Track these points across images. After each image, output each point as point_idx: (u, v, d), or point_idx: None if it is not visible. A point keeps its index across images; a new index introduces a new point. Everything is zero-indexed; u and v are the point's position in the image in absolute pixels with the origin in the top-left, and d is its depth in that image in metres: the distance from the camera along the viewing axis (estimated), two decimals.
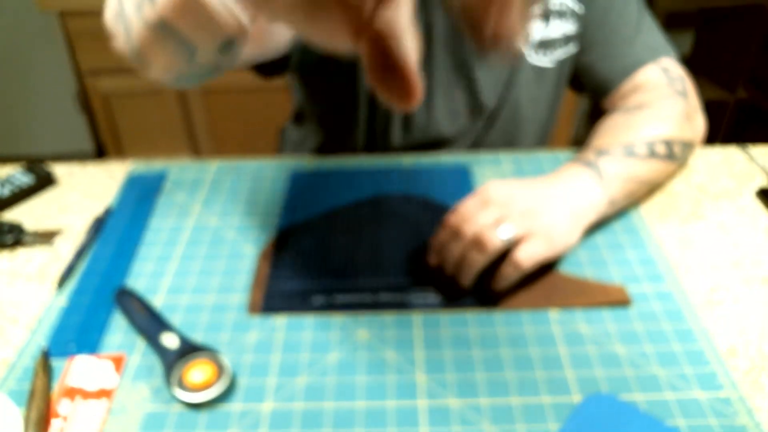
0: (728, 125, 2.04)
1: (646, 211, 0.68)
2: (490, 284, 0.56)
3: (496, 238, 0.54)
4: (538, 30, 0.75)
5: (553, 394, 0.48)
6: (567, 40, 0.77)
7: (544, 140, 0.89)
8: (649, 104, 0.70)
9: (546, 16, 0.75)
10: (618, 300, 0.56)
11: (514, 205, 0.56)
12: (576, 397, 0.48)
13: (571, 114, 1.80)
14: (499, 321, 0.55)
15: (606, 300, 0.56)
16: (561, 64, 0.79)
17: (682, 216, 0.67)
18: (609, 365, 0.51)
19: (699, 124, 0.73)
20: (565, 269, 0.60)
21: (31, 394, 0.49)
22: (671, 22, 1.98)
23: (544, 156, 0.77)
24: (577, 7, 0.75)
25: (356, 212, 0.68)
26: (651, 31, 0.76)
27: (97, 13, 1.57)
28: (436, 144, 0.81)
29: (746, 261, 0.61)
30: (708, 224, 0.66)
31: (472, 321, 0.55)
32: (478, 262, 0.55)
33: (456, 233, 0.56)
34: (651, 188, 0.68)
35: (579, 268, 0.60)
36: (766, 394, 0.48)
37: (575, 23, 0.76)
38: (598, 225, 0.64)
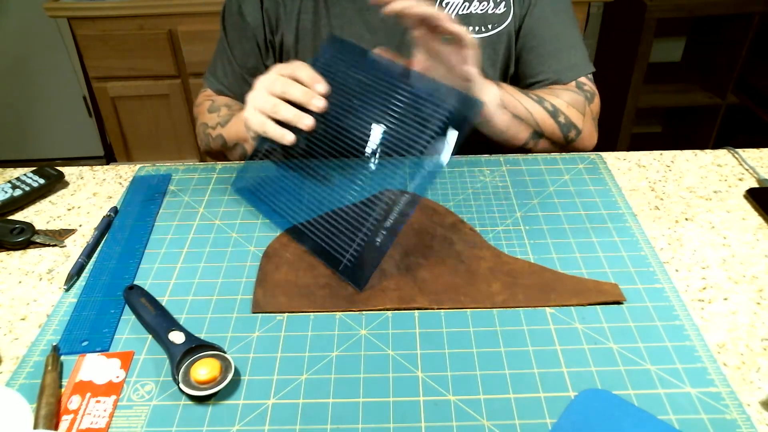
0: (718, 130, 2.06)
1: (639, 212, 0.69)
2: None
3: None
4: (458, 7, 0.84)
5: (549, 389, 0.50)
6: (491, 18, 0.84)
7: None
8: (552, 90, 0.83)
9: None
10: (612, 298, 0.58)
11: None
12: (571, 393, 0.49)
13: None
14: (497, 319, 0.56)
15: (601, 298, 0.58)
16: (491, 40, 0.85)
17: (673, 216, 0.69)
18: (603, 361, 0.52)
19: (588, 126, 0.84)
20: (562, 268, 0.61)
21: (42, 389, 0.50)
22: (663, 30, 2.00)
23: (542, 158, 0.79)
24: None
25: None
26: (576, 48, 0.85)
27: (105, 18, 1.60)
28: None
29: (735, 260, 0.63)
30: (698, 224, 0.68)
31: (471, 319, 0.56)
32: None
33: None
34: (535, 130, 0.79)
35: (575, 266, 0.62)
36: (755, 389, 0.50)
37: (505, 7, 0.84)
38: (594, 226, 0.66)
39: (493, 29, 0.84)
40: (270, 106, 0.66)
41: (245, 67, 0.89)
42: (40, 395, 0.49)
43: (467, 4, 0.83)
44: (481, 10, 0.83)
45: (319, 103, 0.65)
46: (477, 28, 0.84)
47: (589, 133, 0.85)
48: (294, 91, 0.65)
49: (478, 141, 0.91)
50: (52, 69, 2.13)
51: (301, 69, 0.66)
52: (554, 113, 0.80)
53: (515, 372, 0.51)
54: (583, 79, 0.85)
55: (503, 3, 0.83)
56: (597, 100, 0.86)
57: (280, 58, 0.88)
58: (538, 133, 0.79)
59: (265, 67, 0.87)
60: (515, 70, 0.88)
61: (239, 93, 0.88)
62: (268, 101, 0.66)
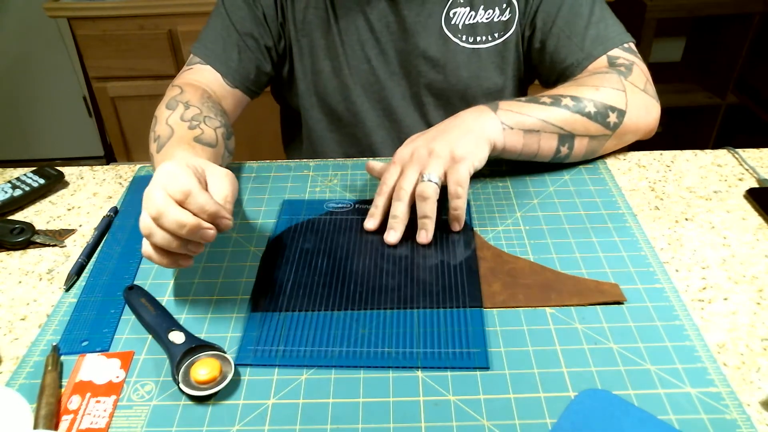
0: (718, 130, 2.06)
1: (639, 212, 0.69)
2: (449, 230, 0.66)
3: (430, 184, 0.63)
4: (465, 17, 0.83)
5: (549, 389, 0.50)
6: (497, 26, 0.83)
7: None
8: (577, 79, 0.76)
9: (471, 3, 0.82)
10: (612, 298, 0.58)
11: (421, 156, 0.65)
12: (571, 393, 0.49)
13: None
14: (497, 319, 0.56)
15: (601, 298, 0.58)
16: (497, 48, 0.84)
17: (673, 216, 0.69)
18: (603, 361, 0.52)
19: (637, 99, 0.75)
20: (562, 268, 0.62)
21: (42, 389, 0.50)
22: (663, 30, 2.00)
23: None
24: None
25: (356, 213, 0.70)
26: (602, 22, 0.80)
27: (105, 18, 1.60)
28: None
29: (735, 260, 0.63)
30: (698, 224, 0.68)
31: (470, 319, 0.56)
32: (429, 207, 0.63)
33: (394, 198, 0.65)
34: (561, 135, 0.72)
35: (575, 266, 0.62)
36: (755, 389, 0.50)
37: (510, 13, 0.82)
38: (594, 226, 0.66)
39: (499, 37, 0.84)
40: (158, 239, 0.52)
41: (242, 33, 0.83)
42: (40, 395, 0.49)
43: (473, 13, 0.82)
44: (487, 18, 0.83)
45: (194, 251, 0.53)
46: (483, 38, 0.83)
47: (639, 108, 0.75)
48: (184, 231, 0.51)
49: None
50: (52, 69, 2.14)
51: (197, 198, 0.51)
52: (578, 107, 0.71)
53: (515, 372, 0.51)
54: (615, 52, 0.79)
55: (508, 9, 0.82)
56: (637, 69, 0.77)
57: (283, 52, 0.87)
58: (569, 136, 0.72)
59: (267, 49, 0.85)
60: (544, 64, 0.84)
61: (224, 63, 0.82)
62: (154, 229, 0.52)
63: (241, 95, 0.85)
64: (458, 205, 0.64)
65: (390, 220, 0.65)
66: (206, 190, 0.54)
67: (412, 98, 0.88)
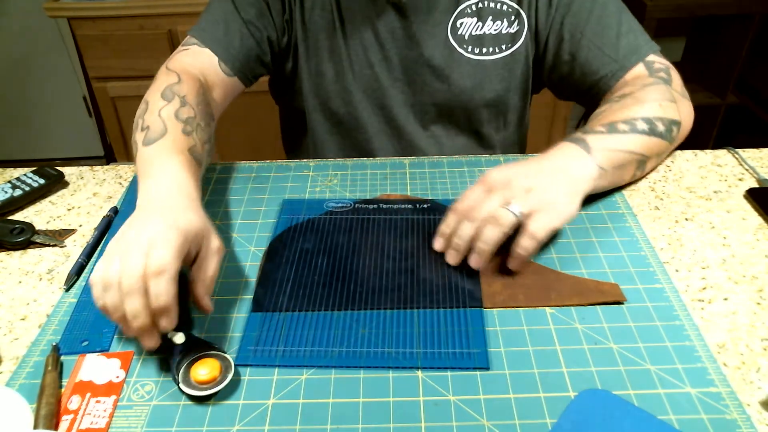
0: (718, 129, 2.06)
1: (639, 212, 0.69)
2: (505, 264, 0.61)
3: (509, 213, 0.58)
4: (472, 28, 0.81)
5: (549, 389, 0.50)
6: (505, 38, 0.82)
7: (519, 128, 0.94)
8: (630, 93, 0.74)
9: (479, 14, 0.81)
10: (613, 298, 0.58)
11: (516, 187, 0.60)
12: (571, 393, 0.49)
13: (566, 119, 1.82)
14: (497, 319, 0.56)
15: (601, 298, 0.58)
16: (504, 61, 0.84)
17: (673, 216, 0.69)
18: (603, 361, 0.52)
19: (685, 107, 0.76)
20: (562, 268, 0.62)
21: (42, 389, 0.50)
22: (663, 30, 2.00)
23: None
24: (523, 10, 0.81)
25: (356, 213, 0.70)
26: (632, 32, 0.79)
27: (105, 18, 1.59)
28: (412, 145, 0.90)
29: (735, 260, 0.63)
30: (698, 224, 0.68)
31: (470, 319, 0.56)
32: (495, 235, 0.58)
33: (466, 217, 0.61)
34: (640, 160, 0.71)
35: (575, 266, 0.62)
36: (755, 389, 0.50)
37: (518, 25, 0.81)
38: (594, 226, 0.66)
39: (506, 49, 0.83)
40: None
41: (246, 20, 0.80)
42: (40, 395, 0.49)
43: (480, 24, 0.81)
44: (495, 30, 0.81)
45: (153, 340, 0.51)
46: (490, 49, 0.82)
47: (687, 115, 0.76)
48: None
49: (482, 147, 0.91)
50: (52, 69, 2.14)
51: (157, 283, 0.48)
52: (652, 129, 0.70)
53: (515, 372, 0.51)
54: (650, 58, 0.78)
55: (516, 21, 0.81)
56: (674, 74, 0.78)
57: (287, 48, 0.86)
58: (645, 160, 0.72)
59: (268, 40, 0.83)
60: (574, 75, 0.82)
61: (224, 48, 0.80)
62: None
63: (237, 82, 0.83)
64: (527, 247, 0.58)
65: (454, 239, 0.61)
66: (193, 262, 0.54)
67: (413, 106, 0.88)
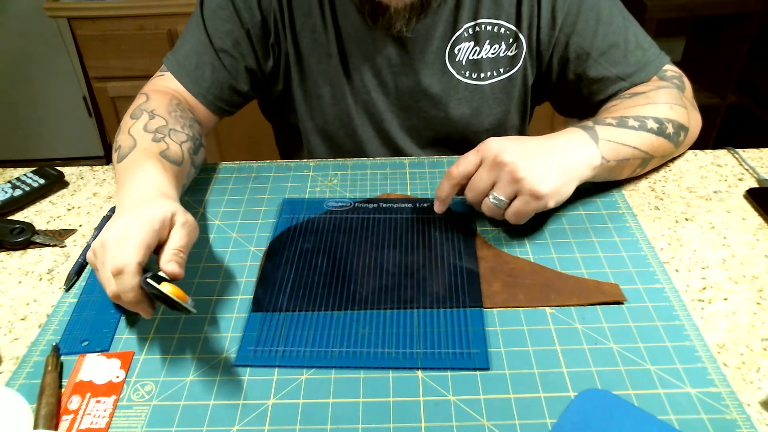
0: (718, 129, 2.06)
1: (639, 212, 0.69)
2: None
3: (491, 204, 0.62)
4: (469, 52, 0.80)
5: (549, 389, 0.50)
6: (503, 62, 0.81)
7: None
8: (644, 93, 0.75)
9: (476, 38, 0.79)
10: (613, 298, 0.58)
11: (506, 172, 0.61)
12: (571, 393, 0.49)
13: (566, 119, 1.82)
14: (497, 319, 0.56)
15: (601, 298, 0.58)
16: (501, 84, 0.82)
17: (673, 216, 0.69)
18: (603, 361, 0.52)
19: (694, 116, 0.77)
20: (562, 268, 0.62)
21: (42, 389, 0.50)
22: (663, 30, 2.00)
23: None
24: (522, 33, 0.79)
25: (356, 212, 0.70)
26: (640, 48, 0.79)
27: (105, 18, 1.59)
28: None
29: (735, 260, 0.63)
30: (698, 224, 0.68)
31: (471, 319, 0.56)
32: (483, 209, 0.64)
33: (458, 185, 0.64)
34: (643, 158, 0.71)
35: (575, 266, 0.62)
36: (755, 389, 0.50)
37: (516, 48, 0.80)
38: (594, 226, 0.66)
39: (504, 73, 0.81)
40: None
41: (218, 49, 0.79)
42: (40, 395, 0.49)
43: (477, 48, 0.79)
44: (492, 54, 0.80)
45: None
46: (488, 74, 0.81)
47: (695, 124, 0.78)
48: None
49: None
50: (52, 69, 2.14)
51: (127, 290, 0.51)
52: (661, 129, 0.71)
53: (515, 372, 0.51)
54: (664, 68, 0.79)
55: (515, 45, 0.79)
56: (687, 84, 0.79)
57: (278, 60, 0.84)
58: (649, 158, 0.72)
59: (251, 65, 0.81)
60: (581, 95, 0.81)
61: (195, 81, 0.80)
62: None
63: (210, 114, 0.82)
64: (511, 220, 0.63)
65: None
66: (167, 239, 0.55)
67: (410, 130, 0.86)
